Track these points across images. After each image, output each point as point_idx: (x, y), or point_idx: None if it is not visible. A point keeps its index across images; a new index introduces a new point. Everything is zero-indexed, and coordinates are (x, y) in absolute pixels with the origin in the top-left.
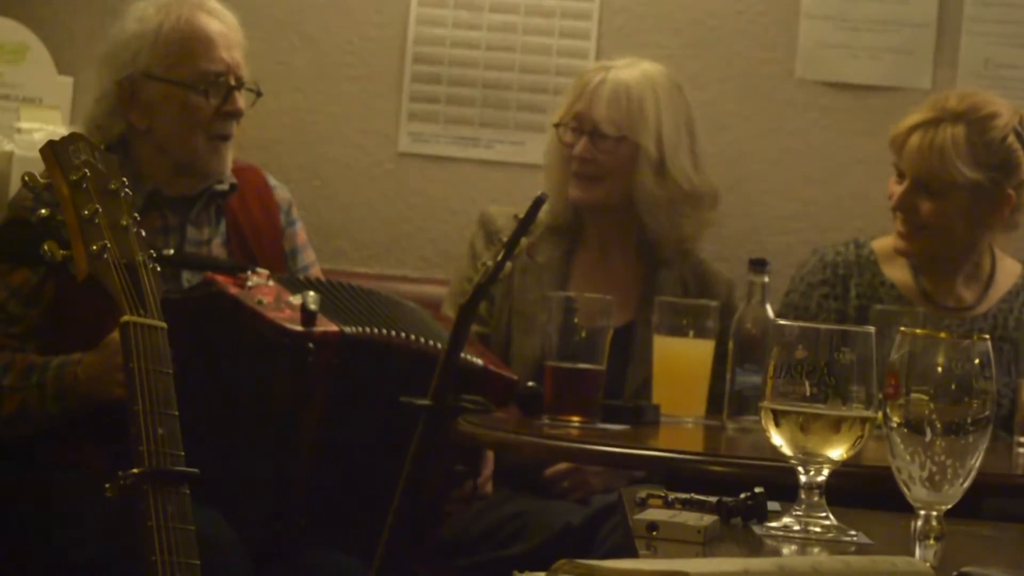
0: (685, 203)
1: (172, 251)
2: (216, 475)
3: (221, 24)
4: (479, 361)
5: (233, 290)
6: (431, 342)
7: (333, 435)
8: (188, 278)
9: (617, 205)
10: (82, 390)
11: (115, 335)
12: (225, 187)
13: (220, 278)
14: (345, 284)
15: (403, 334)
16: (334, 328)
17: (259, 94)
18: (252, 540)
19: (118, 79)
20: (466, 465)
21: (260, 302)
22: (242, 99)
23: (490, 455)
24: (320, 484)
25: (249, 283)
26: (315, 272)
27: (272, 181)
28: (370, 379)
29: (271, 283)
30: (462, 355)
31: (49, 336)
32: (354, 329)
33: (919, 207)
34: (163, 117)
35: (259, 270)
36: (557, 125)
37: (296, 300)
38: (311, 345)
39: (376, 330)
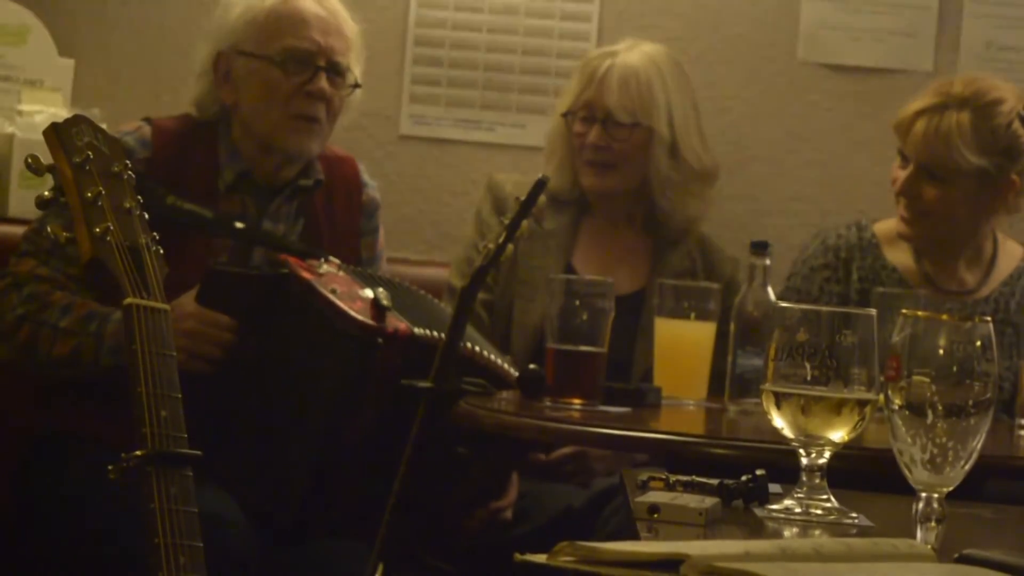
0: (696, 182)
1: (243, 224)
2: (256, 454)
3: (322, 9)
4: (496, 360)
5: (307, 275)
6: (492, 356)
7: (377, 431)
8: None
9: (629, 189)
10: None
11: (182, 300)
12: (310, 182)
13: (293, 261)
14: (410, 287)
15: (468, 345)
16: (404, 327)
17: (356, 86)
18: (278, 523)
19: (214, 55)
20: (489, 482)
21: (334, 291)
22: (330, 84)
23: (515, 481)
24: (354, 476)
25: (320, 270)
26: None
27: (365, 177)
28: None
29: (342, 273)
30: (478, 350)
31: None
32: (424, 331)
33: (923, 193)
34: (246, 91)
35: (331, 259)
36: (566, 114)
37: (367, 294)
38: (380, 340)
39: (444, 335)
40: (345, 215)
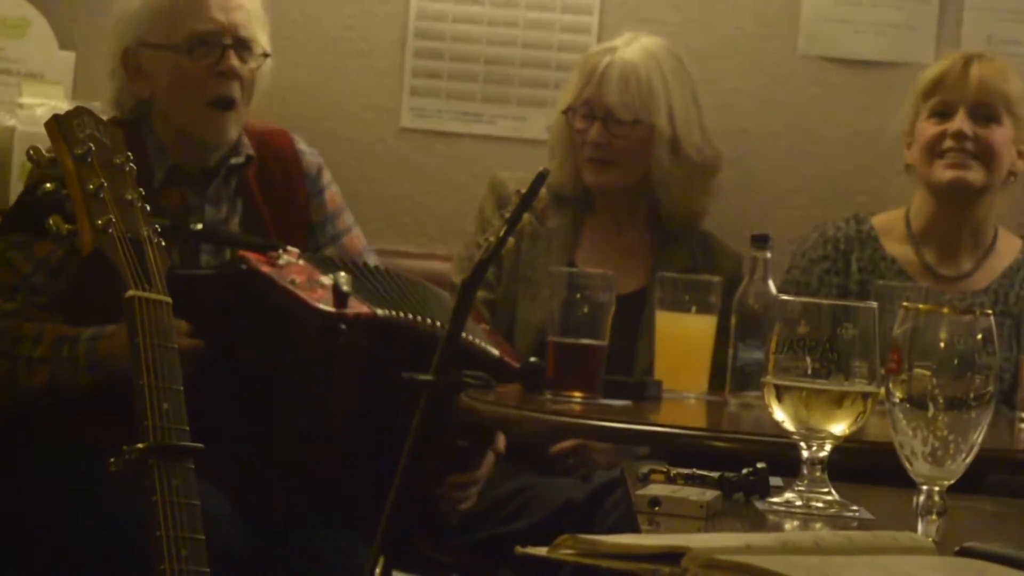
0: (698, 176)
1: (200, 226)
2: (238, 453)
3: None
4: (495, 352)
5: (266, 269)
6: (486, 344)
7: (359, 418)
8: (206, 260)
9: (631, 185)
10: (115, 365)
11: None
12: (241, 159)
13: (251, 256)
14: (376, 266)
15: (436, 321)
16: (366, 310)
17: (266, 55)
18: (269, 519)
19: (121, 51)
20: (471, 441)
21: (293, 282)
22: (239, 60)
23: (500, 440)
24: (343, 466)
25: (280, 261)
26: (355, 237)
27: (301, 146)
28: (399, 363)
29: (302, 262)
30: (477, 342)
31: (76, 308)
32: (387, 312)
33: (978, 135)
34: (159, 83)
35: (290, 248)
36: (566, 111)
37: (328, 280)
38: (343, 327)
39: (408, 315)
40: (284, 186)
